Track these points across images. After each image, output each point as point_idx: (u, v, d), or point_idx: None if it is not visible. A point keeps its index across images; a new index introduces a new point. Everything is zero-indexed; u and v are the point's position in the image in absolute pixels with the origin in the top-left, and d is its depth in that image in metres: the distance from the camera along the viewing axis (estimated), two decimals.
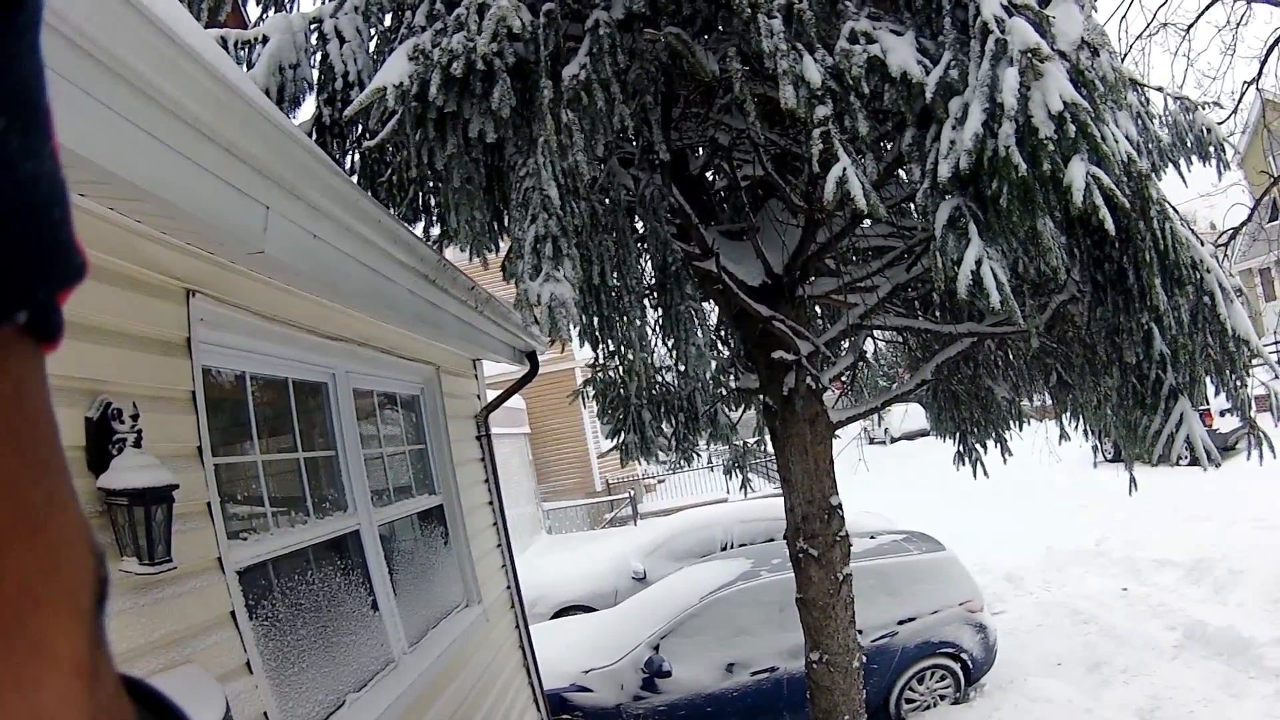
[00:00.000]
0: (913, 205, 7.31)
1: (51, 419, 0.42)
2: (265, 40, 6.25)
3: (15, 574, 0.37)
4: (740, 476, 11.36)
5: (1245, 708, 9.13)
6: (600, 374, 9.68)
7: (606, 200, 5.94)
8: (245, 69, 6.11)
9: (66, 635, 0.39)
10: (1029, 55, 4.48)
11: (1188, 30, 12.60)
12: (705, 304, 8.15)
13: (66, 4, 2.05)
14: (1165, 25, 12.62)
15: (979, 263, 4.69)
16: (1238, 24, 12.52)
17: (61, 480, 0.41)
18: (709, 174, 8.19)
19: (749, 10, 4.80)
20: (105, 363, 2.98)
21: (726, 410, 10.07)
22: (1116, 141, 4.77)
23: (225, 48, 6.16)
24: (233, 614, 3.59)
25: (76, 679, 0.40)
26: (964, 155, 4.59)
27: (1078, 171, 4.45)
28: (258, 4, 6.94)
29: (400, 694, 5.10)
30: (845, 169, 4.74)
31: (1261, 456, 6.33)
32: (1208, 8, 12.14)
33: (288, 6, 6.91)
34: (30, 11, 0.39)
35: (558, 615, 14.48)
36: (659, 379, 9.64)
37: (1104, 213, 4.49)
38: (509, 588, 8.66)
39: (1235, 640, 10.38)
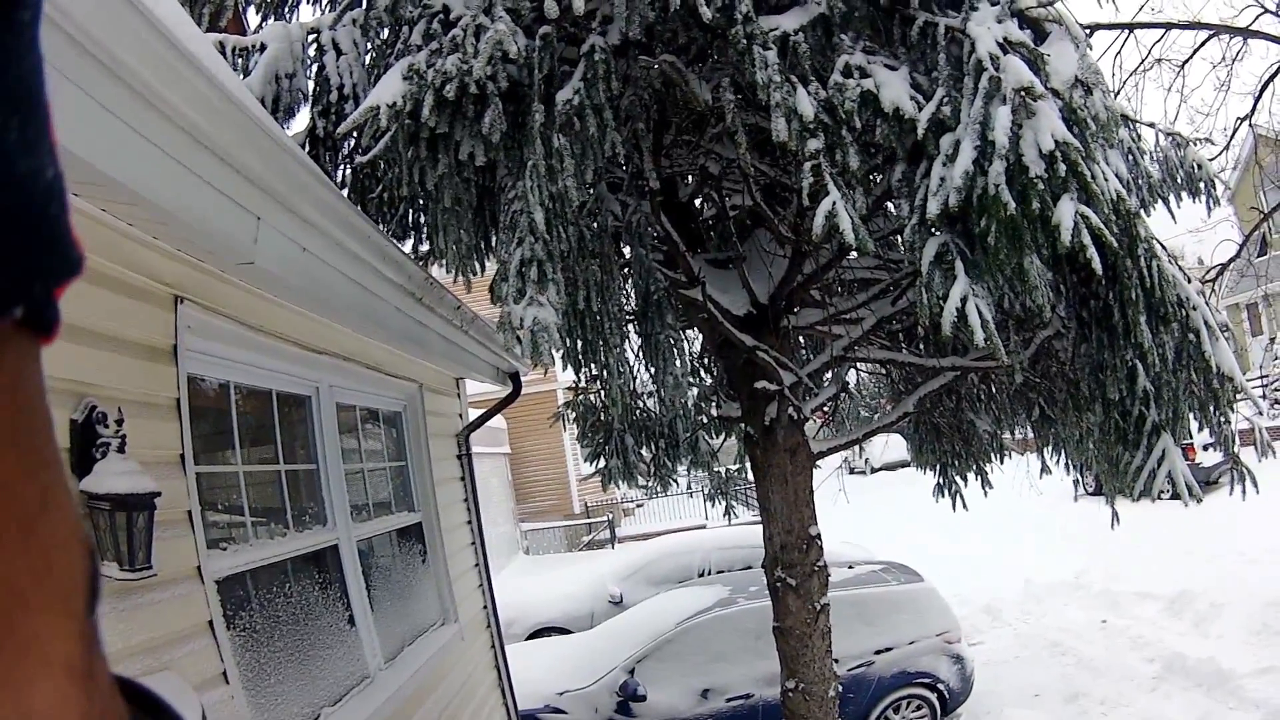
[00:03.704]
0: (899, 239, 7.35)
1: (47, 414, 0.42)
2: (263, 48, 6.22)
3: (6, 576, 0.37)
4: (724, 504, 11.37)
5: None
6: (581, 398, 9.68)
7: (594, 225, 5.95)
8: (242, 76, 6.09)
9: (59, 637, 0.40)
10: (1022, 94, 4.52)
11: (1182, 66, 12.62)
12: (689, 331, 8.17)
13: (70, 2, 2.06)
14: (1160, 61, 12.65)
15: (964, 300, 4.71)
16: (1234, 59, 12.59)
17: (56, 477, 0.42)
18: (698, 202, 8.21)
19: (744, 41, 4.83)
20: (91, 365, 2.97)
21: (707, 437, 10.07)
22: (1106, 180, 4.81)
23: (223, 53, 6.15)
24: (210, 623, 3.57)
25: (70, 681, 0.40)
26: (953, 193, 4.62)
27: (1066, 211, 4.48)
28: (257, 11, 6.93)
29: (375, 709, 5.07)
30: (835, 203, 4.77)
31: (1244, 491, 6.38)
32: (1204, 43, 12.18)
33: (287, 15, 6.90)
34: (30, 9, 0.39)
35: (533, 636, 14.41)
36: (640, 404, 9.64)
37: (1091, 252, 4.52)
38: (485, 607, 8.63)
39: (1216, 672, 10.43)
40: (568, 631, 14.16)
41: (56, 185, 0.40)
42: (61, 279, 0.41)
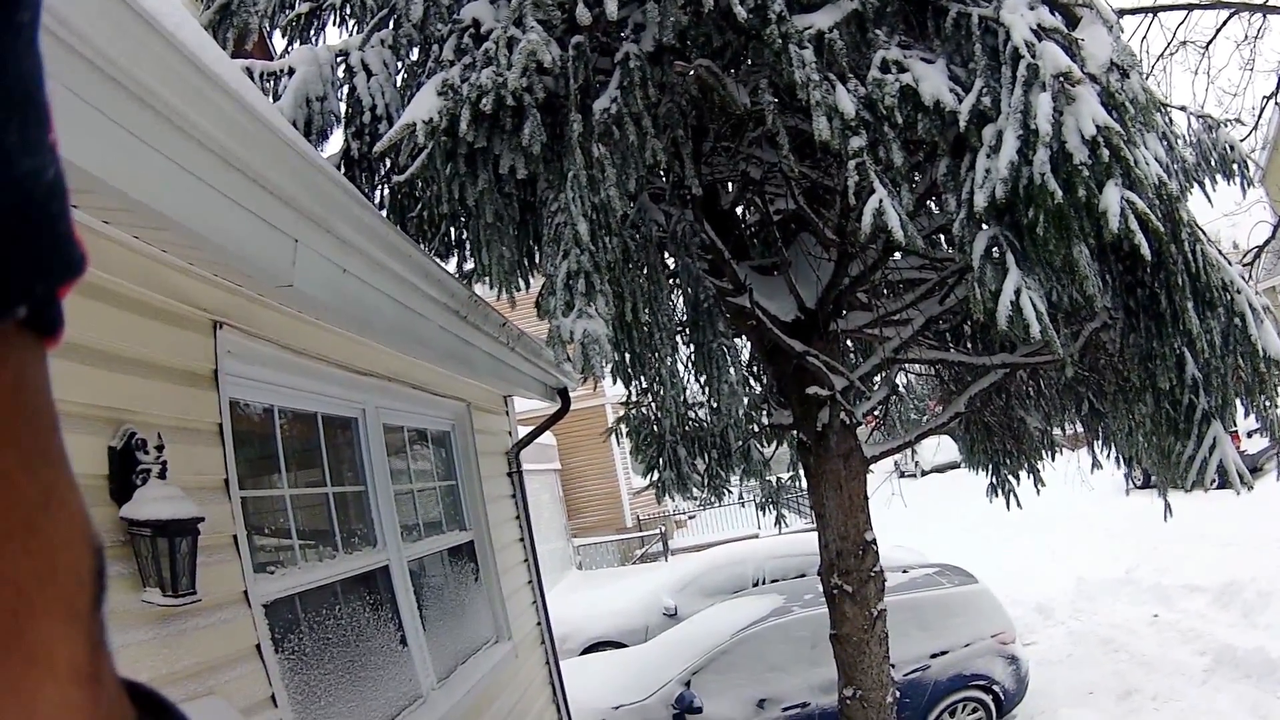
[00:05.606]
0: (943, 237, 7.28)
1: (52, 413, 0.42)
2: (291, 72, 6.23)
3: (10, 579, 0.37)
4: (775, 513, 11.29)
5: None
6: (633, 410, 9.65)
7: (638, 236, 5.91)
8: (272, 100, 6.10)
9: (65, 641, 0.39)
10: (1061, 79, 4.44)
11: (1207, 46, 12.55)
12: (737, 340, 8.11)
13: (90, 28, 2.04)
14: (1185, 43, 12.59)
15: (1018, 293, 4.63)
16: (1255, 37, 12.46)
17: (60, 473, 0.41)
18: (740, 208, 8.16)
19: (780, 41, 4.77)
20: (130, 392, 2.96)
21: (759, 446, 10.01)
22: (1148, 164, 4.71)
23: (251, 78, 6.15)
24: (258, 647, 3.56)
25: (76, 686, 0.39)
26: (999, 184, 4.55)
27: (1112, 197, 4.40)
28: (283, 36, 6.92)
29: None
30: (882, 200, 4.71)
31: None
32: (1225, 22, 12.12)
33: (313, 39, 6.89)
34: (29, 9, 0.39)
35: (587, 651, 14.38)
36: (691, 415, 9.60)
37: (1139, 237, 4.43)
38: (539, 624, 8.61)
39: (1264, 662, 10.37)
40: (622, 645, 14.12)
41: (57, 185, 0.40)
42: (64, 279, 0.41)
